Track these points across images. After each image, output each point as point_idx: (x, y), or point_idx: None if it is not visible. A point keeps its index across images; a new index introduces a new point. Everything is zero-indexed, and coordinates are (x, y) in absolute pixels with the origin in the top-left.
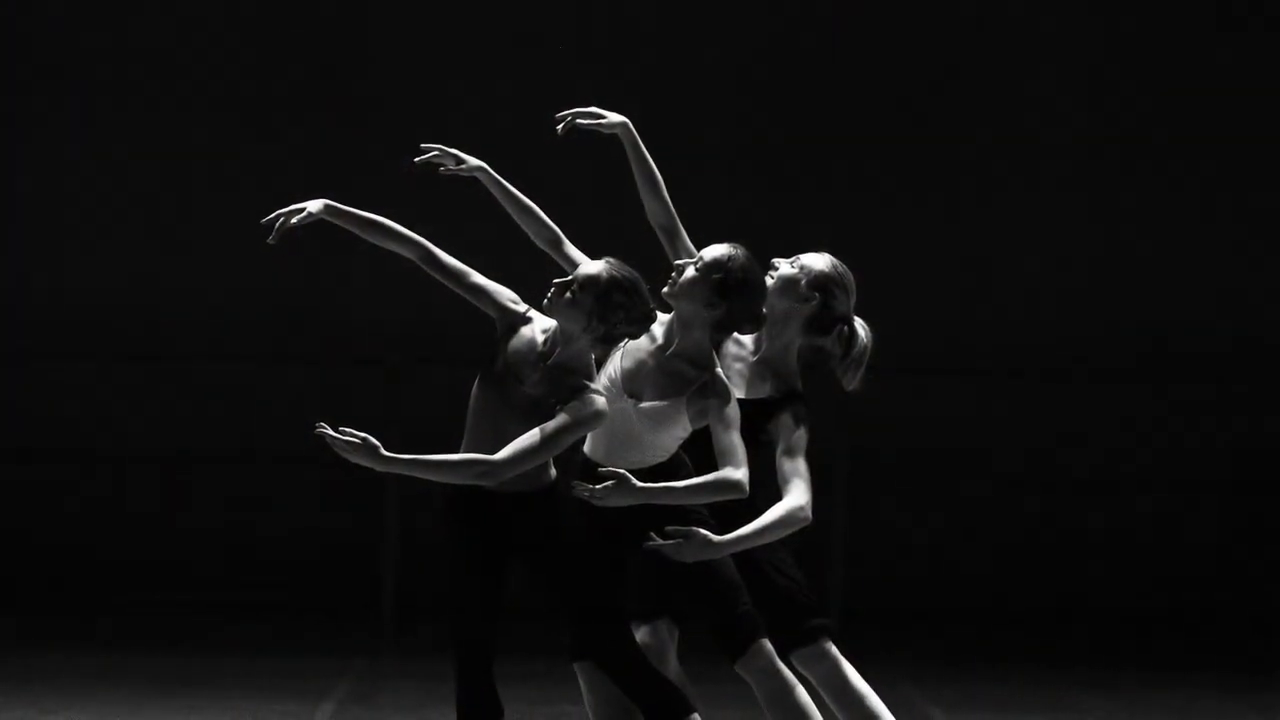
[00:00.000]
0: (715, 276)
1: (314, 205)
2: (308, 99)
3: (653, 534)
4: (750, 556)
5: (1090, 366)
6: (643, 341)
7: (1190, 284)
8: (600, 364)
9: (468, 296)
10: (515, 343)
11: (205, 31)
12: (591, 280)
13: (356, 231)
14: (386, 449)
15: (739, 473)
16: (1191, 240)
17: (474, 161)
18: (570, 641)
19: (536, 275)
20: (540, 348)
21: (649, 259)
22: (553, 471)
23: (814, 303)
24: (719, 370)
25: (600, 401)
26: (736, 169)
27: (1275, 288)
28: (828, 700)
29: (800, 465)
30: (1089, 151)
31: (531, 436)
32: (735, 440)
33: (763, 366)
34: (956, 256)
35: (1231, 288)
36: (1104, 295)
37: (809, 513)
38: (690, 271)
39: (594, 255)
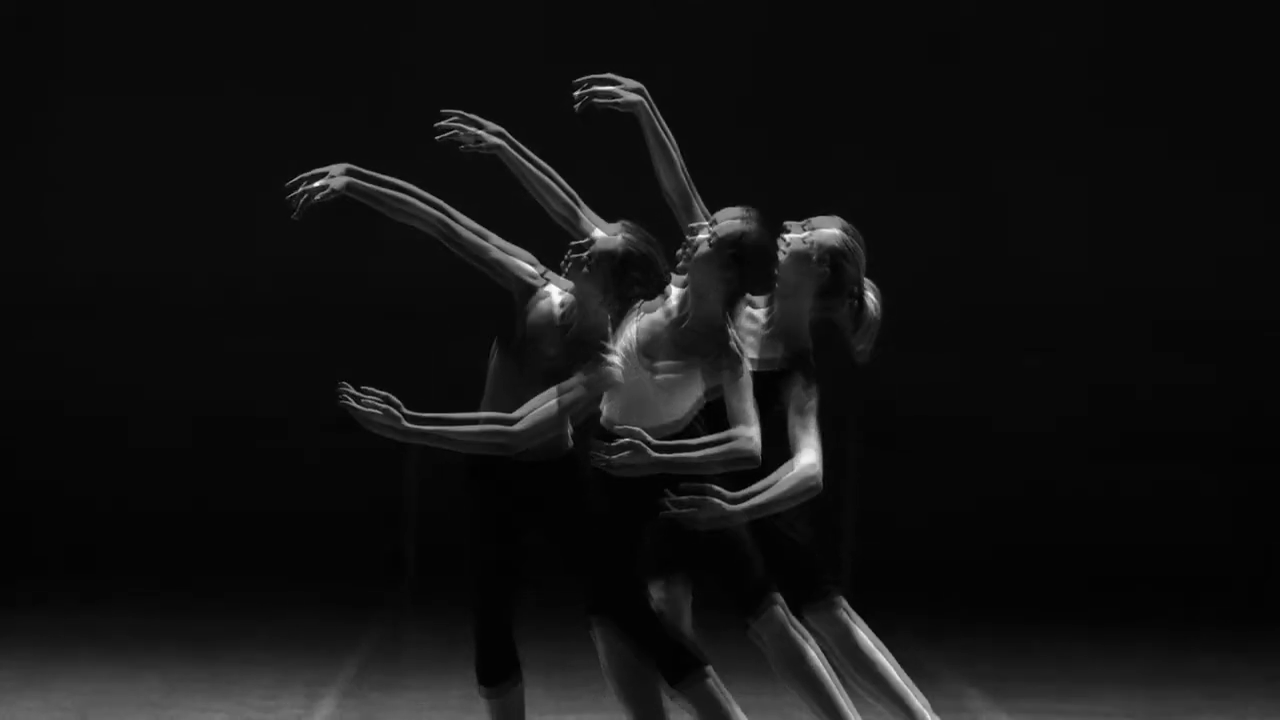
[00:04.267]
0: (729, 250)
1: (337, 182)
2: (328, 70)
3: (668, 491)
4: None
5: (1095, 334)
6: (658, 310)
7: (1194, 252)
8: (616, 329)
9: (486, 271)
10: (534, 314)
11: (233, 5)
12: (608, 254)
13: (378, 209)
14: (411, 409)
15: (752, 438)
16: (1195, 209)
17: (492, 137)
18: (587, 602)
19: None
20: (558, 318)
21: (661, 227)
22: (570, 441)
23: (824, 273)
24: (732, 338)
25: (616, 369)
26: (749, 138)
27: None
28: (839, 658)
29: (811, 429)
30: (1093, 122)
31: (549, 406)
32: (748, 406)
33: (775, 335)
34: (964, 225)
35: (1235, 256)
36: (1108, 265)
37: (820, 479)
38: (704, 242)
39: (609, 221)
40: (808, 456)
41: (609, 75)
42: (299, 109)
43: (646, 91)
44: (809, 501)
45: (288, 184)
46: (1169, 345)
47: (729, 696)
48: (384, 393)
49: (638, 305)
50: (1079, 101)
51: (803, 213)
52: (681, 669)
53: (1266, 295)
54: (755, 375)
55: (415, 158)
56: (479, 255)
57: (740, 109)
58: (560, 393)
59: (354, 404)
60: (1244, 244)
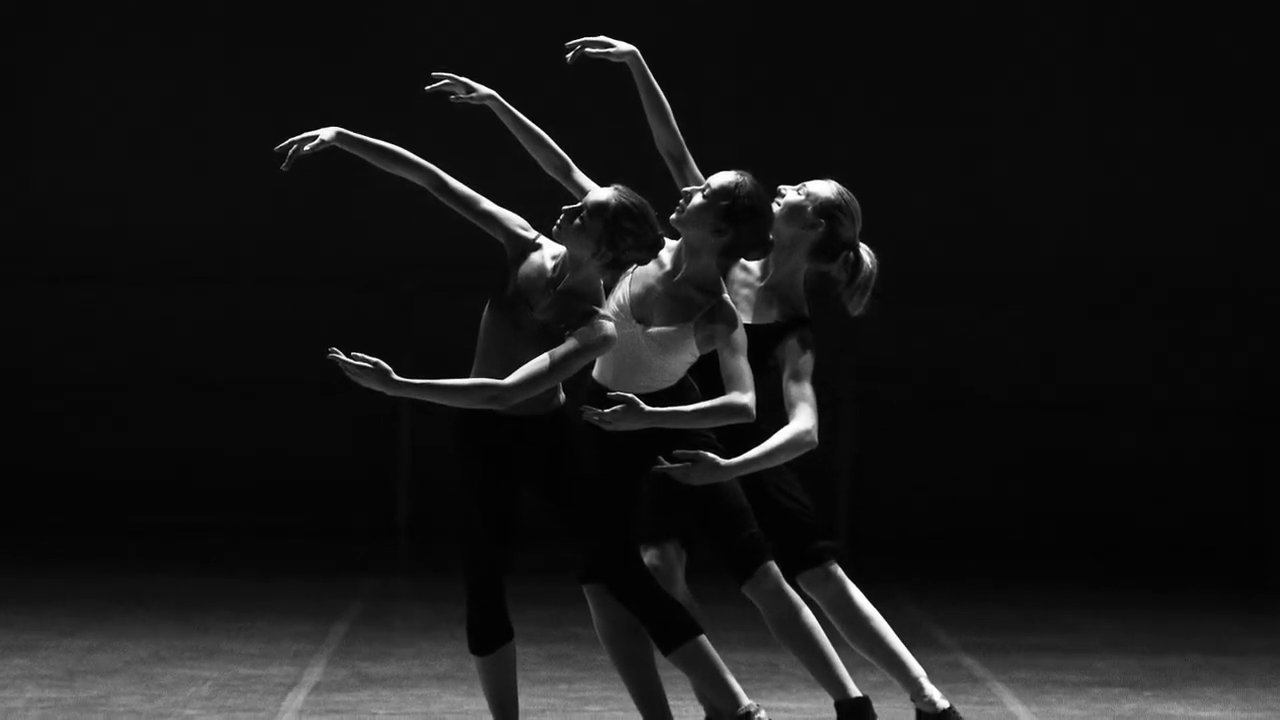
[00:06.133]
0: (723, 203)
1: (326, 133)
2: (321, 30)
3: (661, 457)
4: (757, 480)
5: (1094, 293)
6: (651, 267)
7: (1191, 215)
8: (609, 290)
9: (478, 223)
10: (525, 269)
11: None
12: (600, 207)
13: (368, 159)
14: (398, 374)
15: (746, 397)
16: (1194, 171)
17: (484, 90)
18: (580, 564)
19: (533, 201)
20: (550, 274)
21: (657, 186)
22: (561, 396)
23: (820, 229)
24: (726, 296)
25: (609, 327)
26: (742, 97)
27: (1276, 221)
28: (833, 622)
29: (806, 389)
30: (1091, 82)
31: (541, 361)
32: (742, 365)
33: (769, 292)
34: (960, 183)
35: (1233, 219)
36: (1105, 224)
37: (815, 436)
38: (698, 198)
39: (602, 182)
40: (803, 417)
41: (603, 38)
42: (290, 78)
43: (639, 53)
44: (804, 470)
45: (278, 148)
46: (1169, 305)
47: (721, 663)
48: (374, 358)
49: (631, 269)
50: (1080, 66)
51: (796, 170)
52: (674, 635)
53: (1264, 259)
54: (749, 330)
55: (406, 126)
56: (471, 205)
57: (737, 54)
58: (554, 352)
59: (344, 357)
60: (1243, 210)
